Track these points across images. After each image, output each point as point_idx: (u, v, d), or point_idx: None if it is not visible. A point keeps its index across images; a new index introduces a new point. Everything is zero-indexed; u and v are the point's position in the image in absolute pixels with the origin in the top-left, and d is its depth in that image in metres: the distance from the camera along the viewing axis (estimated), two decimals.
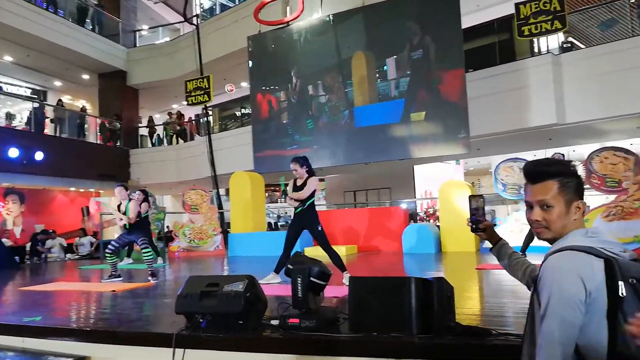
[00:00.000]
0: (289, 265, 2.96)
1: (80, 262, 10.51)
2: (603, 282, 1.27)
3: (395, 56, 9.86)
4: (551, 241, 1.48)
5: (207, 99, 12.64)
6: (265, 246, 9.19)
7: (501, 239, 1.91)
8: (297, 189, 5.20)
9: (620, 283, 1.25)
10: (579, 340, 1.30)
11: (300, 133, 10.86)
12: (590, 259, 1.30)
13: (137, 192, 6.75)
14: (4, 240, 11.48)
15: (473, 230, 1.92)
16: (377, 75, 10.06)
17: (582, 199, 1.46)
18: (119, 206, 6.41)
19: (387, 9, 9.96)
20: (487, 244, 6.65)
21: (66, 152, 13.27)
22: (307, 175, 5.22)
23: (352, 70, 10.34)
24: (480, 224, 1.89)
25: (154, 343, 2.95)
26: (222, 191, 14.30)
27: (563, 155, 6.59)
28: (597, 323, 1.28)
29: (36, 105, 14.24)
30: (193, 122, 16.10)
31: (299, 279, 2.80)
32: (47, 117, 13.91)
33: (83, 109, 16.02)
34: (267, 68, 11.48)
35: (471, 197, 1.95)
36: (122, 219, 6.33)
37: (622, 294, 1.24)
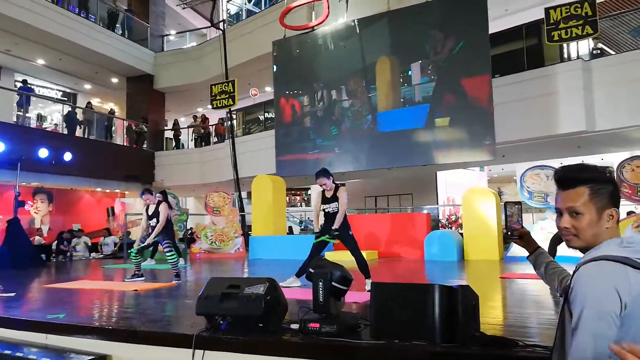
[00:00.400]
0: (311, 269, 2.93)
1: (104, 261, 10.70)
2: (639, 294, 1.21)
3: (420, 61, 9.78)
4: (582, 250, 1.42)
5: (232, 103, 12.76)
6: (285, 249, 9.19)
7: (539, 247, 1.84)
8: (327, 200, 5.17)
9: None
10: (612, 355, 1.23)
11: (323, 137, 10.85)
12: (626, 270, 1.24)
13: (157, 194, 6.79)
14: (36, 238, 11.79)
15: (508, 237, 1.86)
16: (402, 80, 9.99)
17: (617, 207, 1.39)
18: (147, 209, 6.49)
19: (412, 14, 9.91)
20: (512, 252, 6.53)
21: (94, 154, 13.57)
22: (334, 185, 5.19)
23: (376, 75, 10.29)
24: (516, 231, 1.83)
25: (174, 343, 2.95)
26: (244, 194, 14.39)
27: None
28: (632, 337, 1.20)
29: (67, 107, 14.61)
30: (222, 124, 16.24)
31: (321, 283, 2.76)
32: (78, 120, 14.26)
33: (111, 112, 16.37)
34: (291, 73, 11.52)
35: (507, 204, 1.89)
36: (151, 225, 6.38)
37: None
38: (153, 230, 6.33)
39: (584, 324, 1.24)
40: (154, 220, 6.33)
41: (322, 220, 5.29)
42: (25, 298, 4.92)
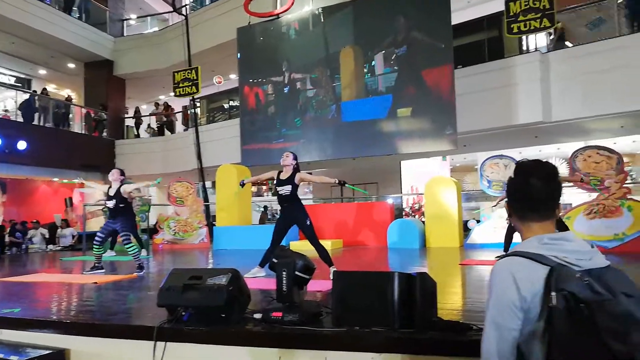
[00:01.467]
0: (274, 259, 2.95)
1: (61, 253, 10.38)
2: (542, 291, 1.24)
3: (383, 51, 9.85)
4: None
5: (195, 91, 12.52)
6: (250, 240, 9.16)
7: None
8: (281, 182, 5.18)
9: (553, 294, 1.21)
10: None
11: (287, 127, 10.82)
12: (534, 265, 1.28)
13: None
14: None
15: None
16: (365, 70, 10.04)
17: (521, 209, 1.42)
18: (109, 188, 6.31)
19: (377, 3, 9.95)
20: (471, 240, 6.71)
21: (50, 142, 13.08)
22: (292, 170, 5.20)
23: (340, 64, 10.31)
24: None
25: (134, 336, 2.92)
26: (208, 184, 14.20)
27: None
28: (526, 334, 1.27)
29: (22, 94, 13.98)
30: (189, 112, 15.88)
31: (284, 273, 2.79)
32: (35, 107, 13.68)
33: (68, 98, 15.77)
34: (256, 60, 11.39)
35: None
36: (109, 207, 6.21)
37: (551, 304, 1.20)
38: (111, 216, 6.19)
39: (488, 314, 1.32)
40: (112, 202, 6.16)
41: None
42: None
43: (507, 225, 6.33)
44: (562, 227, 5.90)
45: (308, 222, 5.10)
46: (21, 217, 12.25)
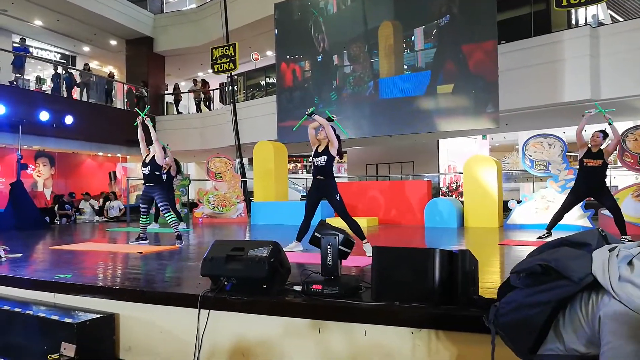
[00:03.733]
0: (317, 234, 2.98)
1: (108, 224, 10.81)
2: None
3: (423, 26, 9.59)
4: None
5: (233, 67, 12.61)
6: (286, 215, 9.27)
7: None
8: (317, 154, 5.22)
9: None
10: None
11: (324, 103, 10.77)
12: None
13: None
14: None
15: None
16: (404, 46, 9.83)
17: None
18: (145, 157, 6.53)
19: None
20: (511, 220, 6.56)
21: (95, 117, 13.50)
22: (328, 139, 5.20)
23: (378, 40, 10.12)
24: None
25: (180, 303, 3.04)
26: (245, 160, 14.40)
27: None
28: None
29: (64, 70, 14.43)
30: (226, 89, 16.05)
31: (329, 247, 2.82)
32: (76, 83, 14.11)
33: (110, 75, 16.18)
34: (293, 37, 11.33)
35: None
36: (144, 173, 6.44)
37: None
38: (148, 185, 6.38)
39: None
40: (147, 168, 6.38)
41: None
42: (32, 259, 5.01)
43: (563, 203, 6.11)
44: (611, 202, 5.73)
45: (338, 197, 5.11)
46: (68, 190, 12.79)
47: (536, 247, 1.79)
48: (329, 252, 2.81)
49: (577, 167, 6.15)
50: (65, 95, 13.49)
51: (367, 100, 10.28)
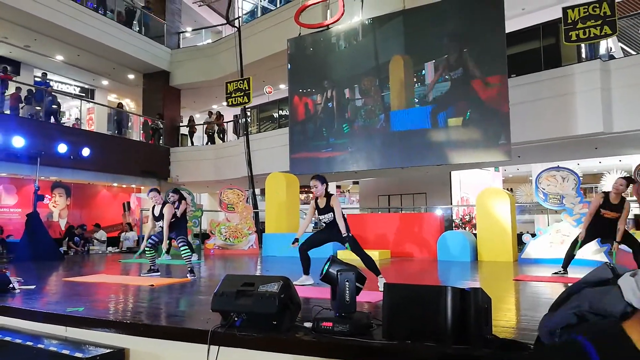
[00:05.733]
0: (331, 270, 2.96)
1: (120, 255, 10.86)
2: None
3: (433, 60, 9.73)
4: None
5: (247, 101, 12.84)
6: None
7: None
8: (321, 211, 5.24)
9: None
10: None
11: (336, 136, 10.87)
12: None
13: (171, 193, 6.88)
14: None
15: None
16: (415, 80, 9.96)
17: None
18: (153, 208, 6.58)
19: (428, 13, 9.86)
20: (525, 254, 6.43)
21: (111, 149, 13.78)
22: (325, 193, 5.23)
23: (389, 74, 10.27)
24: None
25: (189, 339, 3.02)
26: (257, 191, 14.49)
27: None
28: None
29: (85, 103, 14.83)
30: (240, 121, 16.34)
31: (347, 284, 2.80)
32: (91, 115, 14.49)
33: (119, 106, 16.47)
34: (305, 71, 11.55)
35: None
36: (159, 226, 6.46)
37: None
38: (162, 230, 6.42)
39: None
40: (161, 222, 6.40)
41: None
42: (45, 291, 5.04)
43: (574, 240, 5.95)
44: (631, 241, 5.56)
45: (350, 234, 5.08)
46: (83, 220, 12.93)
47: (554, 301, 1.73)
48: (347, 289, 2.80)
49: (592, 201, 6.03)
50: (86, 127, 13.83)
51: (379, 132, 10.36)
